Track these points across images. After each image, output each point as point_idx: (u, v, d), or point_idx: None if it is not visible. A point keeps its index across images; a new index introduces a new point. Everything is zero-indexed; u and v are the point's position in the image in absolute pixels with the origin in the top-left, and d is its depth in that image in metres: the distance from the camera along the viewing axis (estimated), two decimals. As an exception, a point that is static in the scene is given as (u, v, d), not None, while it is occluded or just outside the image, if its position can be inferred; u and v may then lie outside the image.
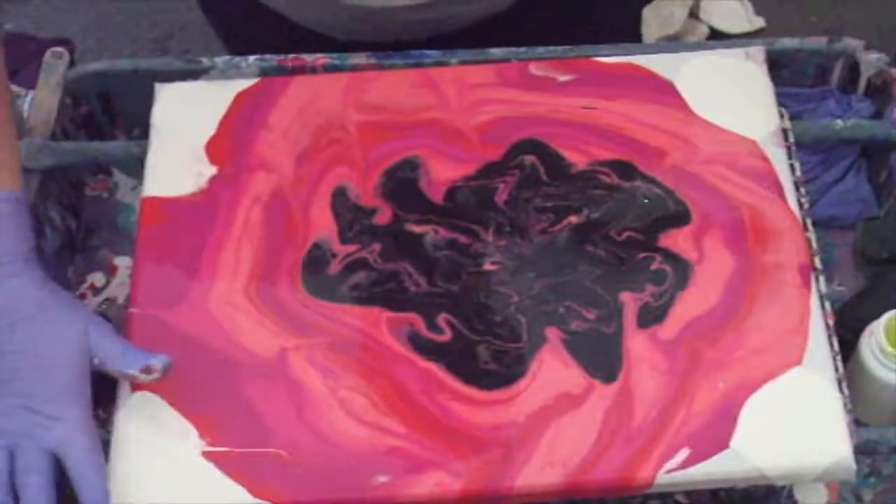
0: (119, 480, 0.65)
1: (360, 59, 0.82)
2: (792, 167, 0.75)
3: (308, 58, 0.83)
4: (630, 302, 0.69)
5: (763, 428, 0.65)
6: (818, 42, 0.85)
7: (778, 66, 0.82)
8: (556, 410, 0.66)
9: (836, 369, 0.67)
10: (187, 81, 0.80)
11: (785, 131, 0.76)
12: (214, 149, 0.76)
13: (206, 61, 0.83)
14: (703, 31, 1.84)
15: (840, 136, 0.81)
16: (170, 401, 0.67)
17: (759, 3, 1.85)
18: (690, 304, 0.69)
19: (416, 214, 0.73)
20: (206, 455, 0.65)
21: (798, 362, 0.67)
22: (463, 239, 0.72)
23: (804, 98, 0.85)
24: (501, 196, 0.74)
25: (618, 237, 0.72)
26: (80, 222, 0.85)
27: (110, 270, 0.83)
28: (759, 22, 1.84)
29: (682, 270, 0.70)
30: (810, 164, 0.82)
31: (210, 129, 0.77)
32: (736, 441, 0.64)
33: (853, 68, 0.85)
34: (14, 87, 0.79)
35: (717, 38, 1.81)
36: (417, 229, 0.73)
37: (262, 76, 0.81)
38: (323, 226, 0.73)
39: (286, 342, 0.69)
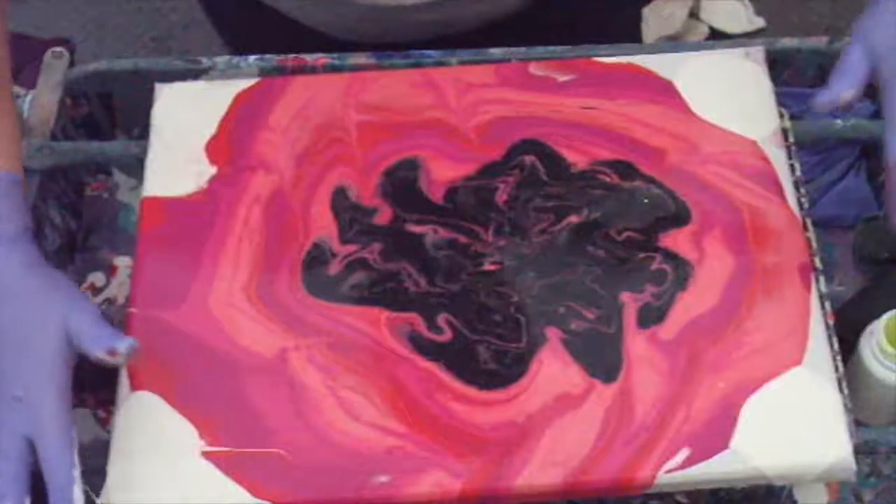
0: (119, 480, 0.65)
1: (360, 58, 0.82)
2: (792, 167, 0.75)
3: (308, 58, 0.83)
4: (630, 302, 0.69)
5: (763, 428, 0.65)
6: (818, 42, 0.85)
7: (778, 66, 0.82)
8: (555, 410, 0.66)
9: (836, 369, 0.67)
10: (187, 81, 0.80)
11: (785, 131, 0.76)
12: (214, 149, 0.76)
13: (206, 61, 0.83)
14: (703, 31, 1.84)
15: (840, 135, 0.81)
16: (170, 401, 0.67)
17: (759, 3, 1.85)
18: (690, 304, 0.69)
19: (416, 214, 0.73)
20: (206, 455, 0.65)
21: (798, 362, 0.67)
22: (463, 239, 0.72)
23: (804, 98, 0.84)
24: (501, 196, 0.74)
25: (618, 237, 0.72)
26: (80, 222, 0.85)
27: (110, 270, 0.83)
28: (759, 22, 1.84)
29: (682, 270, 0.70)
30: (810, 163, 0.82)
31: (210, 129, 0.77)
32: (736, 441, 0.64)
33: (853, 68, 0.84)
34: (14, 87, 0.79)
35: (717, 38, 1.81)
36: (417, 229, 0.73)
37: (262, 76, 0.81)
38: (323, 226, 0.73)
39: (286, 342, 0.69)
